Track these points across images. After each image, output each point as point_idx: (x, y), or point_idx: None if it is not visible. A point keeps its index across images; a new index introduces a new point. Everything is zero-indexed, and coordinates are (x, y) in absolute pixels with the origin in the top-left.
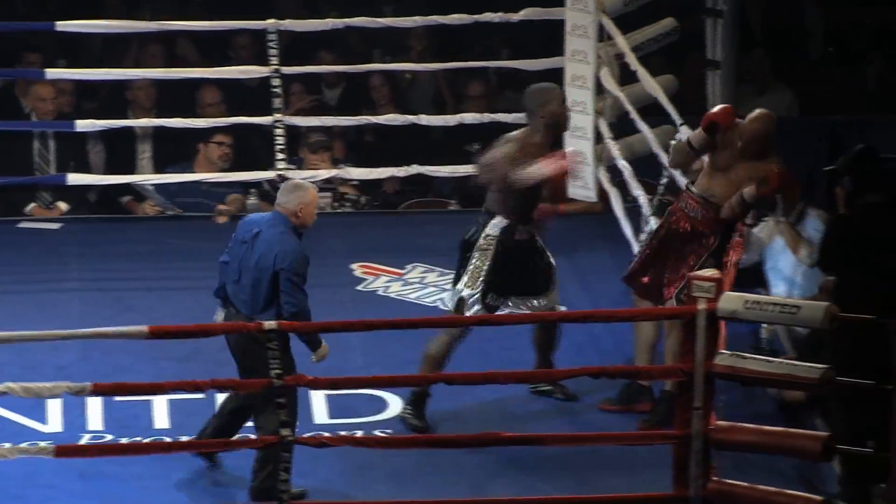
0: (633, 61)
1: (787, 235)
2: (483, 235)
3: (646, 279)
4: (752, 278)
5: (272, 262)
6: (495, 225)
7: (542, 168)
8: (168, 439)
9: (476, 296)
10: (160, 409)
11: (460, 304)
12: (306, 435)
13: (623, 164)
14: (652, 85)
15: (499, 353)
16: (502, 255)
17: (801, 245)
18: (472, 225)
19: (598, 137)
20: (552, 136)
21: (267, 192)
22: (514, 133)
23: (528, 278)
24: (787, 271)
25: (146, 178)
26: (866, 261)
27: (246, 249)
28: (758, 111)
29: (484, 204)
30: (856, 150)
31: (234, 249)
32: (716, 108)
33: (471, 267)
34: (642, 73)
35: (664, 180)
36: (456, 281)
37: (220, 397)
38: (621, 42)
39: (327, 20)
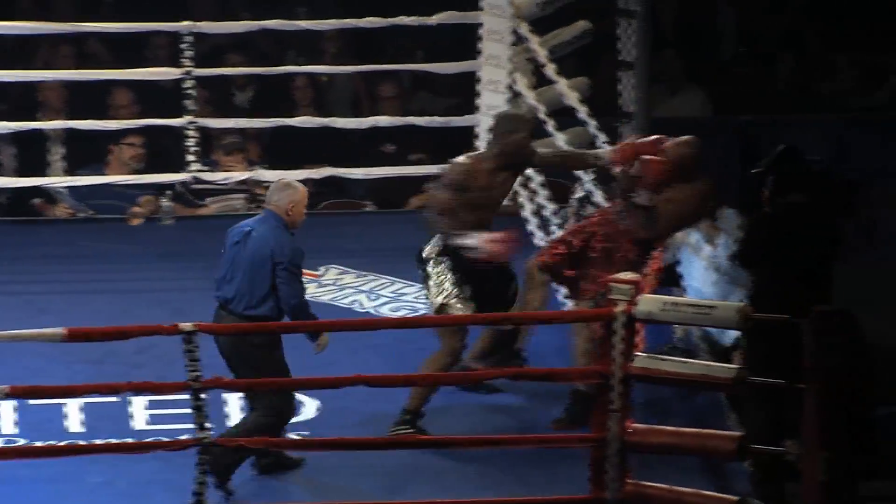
0: (547, 66)
1: (704, 228)
2: (429, 250)
3: (570, 273)
4: (668, 278)
5: (268, 254)
6: (435, 243)
7: (480, 243)
8: (81, 442)
9: (453, 296)
10: (73, 413)
11: (444, 310)
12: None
13: (531, 172)
14: (565, 90)
15: (416, 355)
16: (454, 260)
17: (718, 236)
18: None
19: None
20: (506, 164)
21: (181, 194)
22: (466, 157)
23: (500, 293)
24: (701, 269)
25: (58, 181)
26: (785, 259)
27: (238, 248)
28: (683, 138)
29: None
30: (779, 149)
31: (225, 253)
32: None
33: (432, 279)
34: (556, 78)
35: (579, 194)
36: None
37: (136, 400)
38: (536, 47)
39: (242, 22)
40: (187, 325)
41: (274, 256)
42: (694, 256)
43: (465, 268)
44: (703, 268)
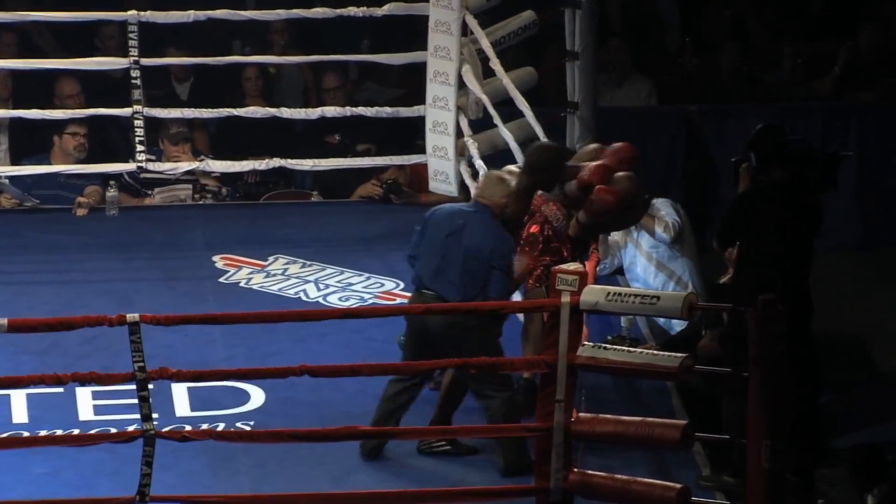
0: (493, 60)
1: (641, 221)
2: None
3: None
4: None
5: (487, 255)
6: None
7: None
8: (26, 433)
9: None
10: (18, 404)
11: None
12: (168, 429)
13: (480, 163)
14: (507, 83)
15: (363, 344)
16: None
17: (656, 223)
18: None
19: (460, 133)
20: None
21: (127, 185)
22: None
23: None
24: (642, 261)
25: (2, 171)
26: (769, 237)
27: (452, 241)
28: (622, 173)
29: None
30: (761, 127)
31: (433, 242)
32: (591, 169)
33: None
34: (500, 71)
35: None
36: None
37: (81, 391)
38: (483, 41)
39: (189, 12)
40: (132, 316)
41: (493, 259)
42: (634, 249)
43: None
44: (644, 259)
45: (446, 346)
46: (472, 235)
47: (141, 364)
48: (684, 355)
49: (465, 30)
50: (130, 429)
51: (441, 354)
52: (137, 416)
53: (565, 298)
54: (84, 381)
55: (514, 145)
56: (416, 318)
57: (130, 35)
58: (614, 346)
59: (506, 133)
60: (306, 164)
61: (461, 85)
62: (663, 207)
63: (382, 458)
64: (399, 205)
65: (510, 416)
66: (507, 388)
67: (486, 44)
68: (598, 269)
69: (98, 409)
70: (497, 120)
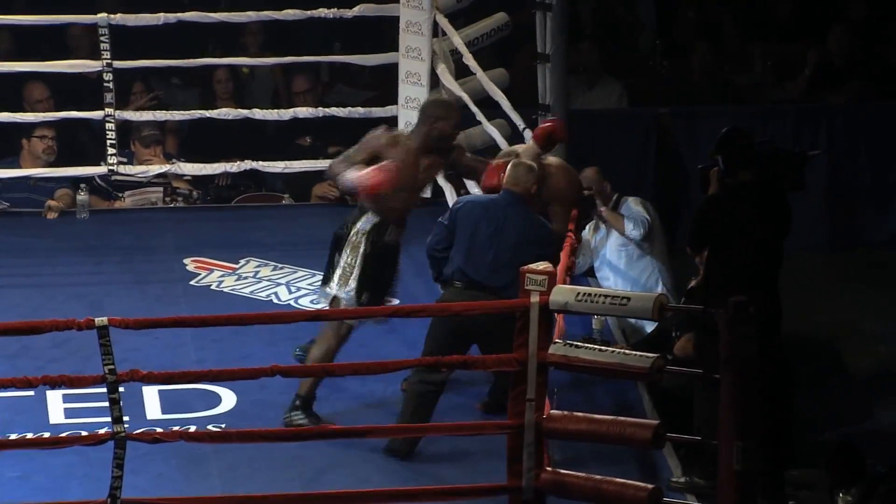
0: (466, 56)
1: (608, 218)
2: (354, 231)
3: None
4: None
5: (536, 247)
6: (367, 220)
7: (357, 177)
8: None
9: (350, 295)
10: None
11: (335, 304)
12: (139, 431)
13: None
14: (486, 82)
15: (353, 350)
16: (373, 253)
17: (623, 221)
18: (347, 223)
19: None
20: (429, 149)
21: (98, 188)
22: (384, 131)
23: (393, 278)
24: (613, 261)
25: None
26: (738, 238)
27: (498, 236)
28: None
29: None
30: (726, 130)
31: (476, 238)
32: (549, 122)
33: (342, 263)
34: (476, 69)
35: None
36: (326, 278)
37: (52, 395)
38: (456, 40)
39: (159, 15)
40: (101, 320)
41: (542, 248)
42: (603, 248)
43: (376, 257)
44: (613, 259)
45: (491, 339)
46: (518, 228)
47: (111, 367)
48: (656, 356)
49: (436, 31)
50: (101, 431)
51: (479, 347)
52: (108, 419)
53: (534, 298)
54: (54, 384)
55: (500, 140)
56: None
57: (102, 38)
58: (586, 345)
59: (491, 129)
60: (278, 167)
61: (434, 85)
62: (633, 205)
63: (357, 458)
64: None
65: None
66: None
67: (458, 41)
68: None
69: (69, 413)
70: (480, 116)
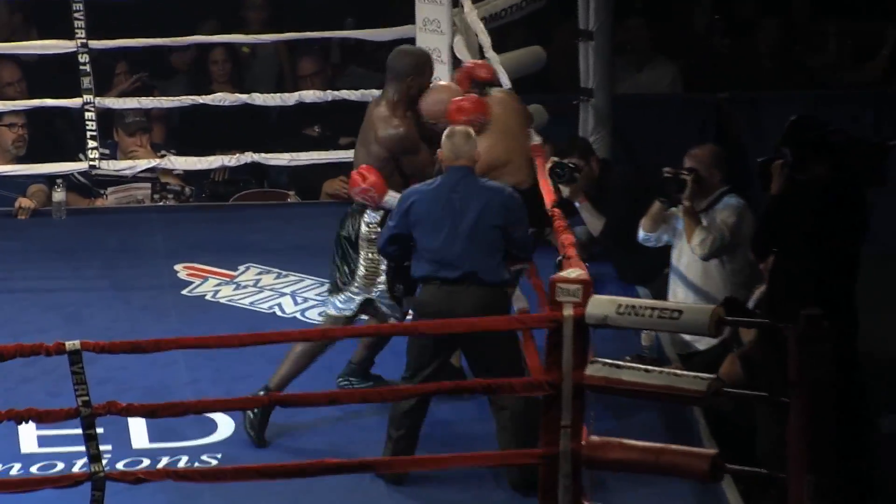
0: (480, 34)
1: (683, 218)
2: (363, 225)
3: None
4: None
5: (503, 219)
6: (371, 214)
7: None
8: None
9: (383, 292)
10: None
11: (369, 307)
12: (122, 463)
13: None
14: (497, 63)
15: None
16: None
17: (695, 232)
18: (347, 222)
19: None
20: (409, 107)
21: (77, 183)
22: (375, 114)
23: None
24: (683, 269)
25: None
26: (804, 244)
27: (460, 219)
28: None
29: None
30: (795, 118)
31: (438, 229)
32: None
33: (361, 262)
34: (487, 47)
35: None
36: (336, 286)
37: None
38: (469, 8)
39: None
40: (72, 344)
41: (509, 218)
42: (682, 240)
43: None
44: (687, 257)
45: (475, 339)
46: (476, 203)
47: (85, 398)
48: (713, 377)
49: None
50: (78, 466)
51: (463, 345)
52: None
53: (568, 311)
54: (20, 419)
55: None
56: (440, 308)
57: (76, 14)
58: (630, 365)
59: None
60: (282, 160)
61: (457, 62)
62: (723, 215)
63: (369, 491)
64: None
65: (523, 433)
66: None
67: (472, 14)
68: (642, 238)
69: (43, 441)
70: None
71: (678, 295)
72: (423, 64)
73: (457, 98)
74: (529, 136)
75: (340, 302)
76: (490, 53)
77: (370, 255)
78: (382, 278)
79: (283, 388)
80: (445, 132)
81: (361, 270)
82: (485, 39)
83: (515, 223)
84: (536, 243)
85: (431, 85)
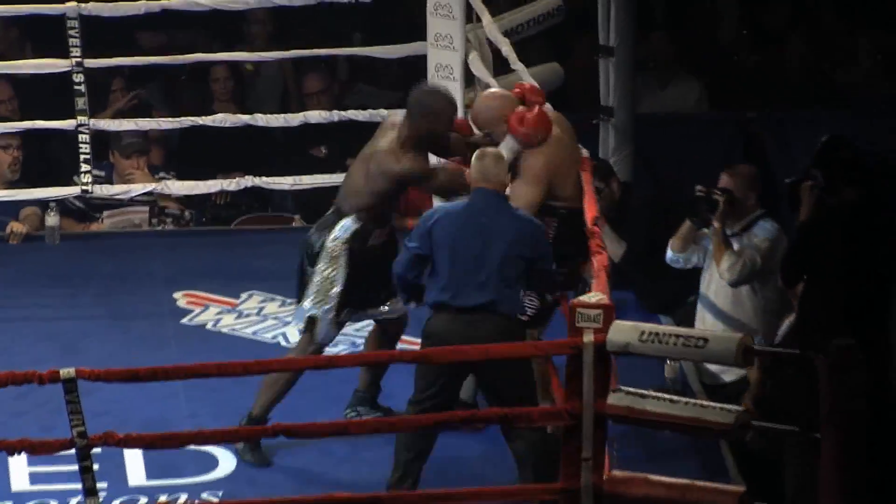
0: (507, 49)
1: (712, 241)
2: (330, 240)
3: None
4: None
5: (530, 248)
6: (345, 227)
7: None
8: None
9: (329, 312)
10: None
11: (311, 324)
12: (118, 503)
13: None
14: (531, 75)
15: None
16: (354, 263)
17: (724, 257)
18: (318, 230)
19: None
20: (420, 148)
21: (72, 207)
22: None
23: (380, 285)
24: (712, 296)
25: None
26: (835, 271)
27: (485, 245)
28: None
29: (334, 202)
30: (826, 138)
31: (459, 254)
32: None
33: (317, 278)
34: (515, 62)
35: None
36: (301, 295)
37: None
38: (485, 19)
39: (139, 3)
40: (67, 371)
41: (537, 249)
42: (712, 264)
43: (358, 268)
44: (716, 283)
45: (488, 365)
46: (505, 231)
47: (81, 429)
48: (741, 409)
49: (471, 14)
50: None
51: (476, 374)
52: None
53: (588, 337)
54: (12, 450)
55: None
56: (455, 335)
57: (71, 32)
58: (654, 395)
59: None
60: (285, 183)
61: (469, 79)
62: (757, 239)
63: None
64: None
65: (541, 464)
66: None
67: (492, 27)
68: (671, 258)
69: (35, 478)
70: None
71: (706, 322)
72: (442, 111)
73: (519, 109)
74: (580, 153)
75: (295, 317)
76: (518, 65)
77: (327, 271)
78: (333, 298)
79: (267, 414)
80: (476, 153)
81: (313, 286)
82: (509, 53)
83: (543, 257)
84: (575, 279)
85: (484, 91)
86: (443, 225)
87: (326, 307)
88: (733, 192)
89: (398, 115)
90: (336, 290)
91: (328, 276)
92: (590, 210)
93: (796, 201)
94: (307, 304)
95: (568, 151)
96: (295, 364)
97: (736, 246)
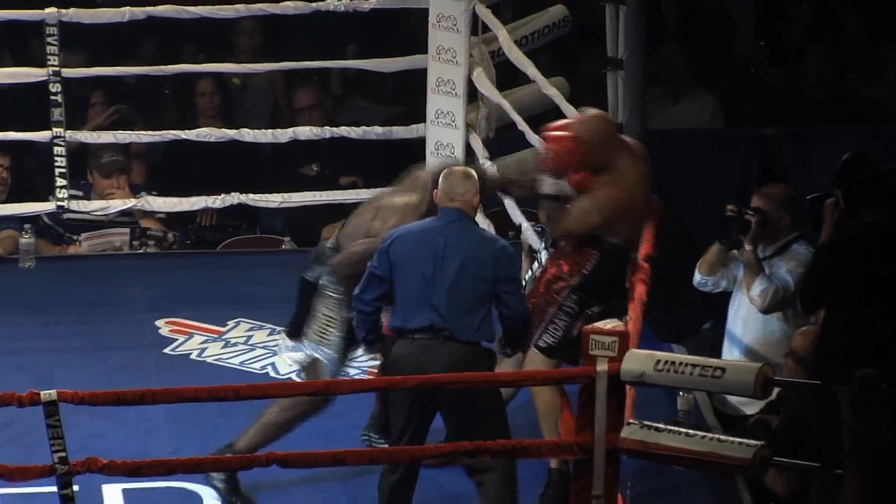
0: (520, 59)
1: (745, 265)
2: (329, 279)
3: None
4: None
5: (491, 271)
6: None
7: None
8: None
9: (332, 353)
10: None
11: (314, 366)
12: None
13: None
14: (548, 87)
15: (347, 431)
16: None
17: (755, 282)
18: (317, 261)
19: (469, 156)
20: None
21: (47, 228)
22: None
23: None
24: (738, 329)
25: None
26: (858, 296)
27: (439, 267)
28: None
29: (337, 236)
30: (846, 158)
31: (414, 276)
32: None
33: (319, 315)
34: (536, 74)
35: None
36: (295, 328)
37: None
38: (503, 36)
39: (123, 9)
40: (48, 393)
41: (499, 272)
42: (741, 293)
43: None
44: (745, 311)
45: (446, 395)
46: (462, 250)
47: (62, 454)
48: (760, 444)
49: (476, 27)
50: None
51: (439, 405)
52: None
53: (602, 366)
54: None
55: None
56: (410, 363)
57: (49, 39)
58: (670, 428)
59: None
60: (272, 201)
61: (472, 95)
62: (791, 261)
63: None
64: None
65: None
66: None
67: (506, 40)
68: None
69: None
70: (531, 137)
71: (733, 352)
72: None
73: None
74: (649, 199)
75: (288, 349)
76: (539, 79)
77: (328, 310)
78: (335, 338)
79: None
80: (444, 171)
81: (315, 325)
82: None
83: (506, 280)
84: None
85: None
86: (400, 244)
87: (328, 347)
88: (768, 212)
89: (428, 179)
90: (335, 335)
91: (328, 314)
92: (644, 246)
93: (819, 219)
94: (307, 343)
95: (637, 198)
96: (291, 390)
97: (768, 270)
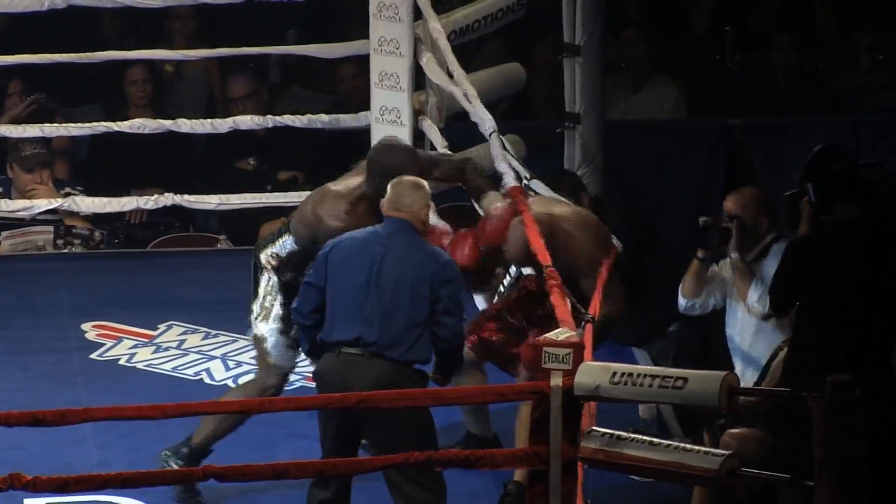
0: (445, 50)
1: (735, 272)
2: (270, 254)
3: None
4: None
5: (428, 286)
6: (284, 245)
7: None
8: None
9: (275, 335)
10: None
11: (259, 341)
12: None
13: None
14: (465, 86)
15: (287, 442)
16: (290, 282)
17: (750, 289)
18: (263, 242)
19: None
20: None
21: None
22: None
23: None
24: (736, 334)
25: None
26: (831, 297)
27: (374, 277)
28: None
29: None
30: (818, 149)
31: (347, 286)
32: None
33: (260, 293)
34: (455, 67)
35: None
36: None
37: None
38: (433, 25)
39: None
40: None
41: (436, 289)
42: (737, 303)
43: (293, 287)
44: (743, 319)
45: (369, 414)
46: (401, 263)
47: None
48: (727, 453)
49: (419, 12)
50: None
51: (361, 425)
52: None
53: (556, 381)
54: None
55: (508, 172)
56: (334, 380)
57: None
58: (632, 437)
59: (497, 150)
60: (209, 203)
61: (419, 87)
62: (776, 263)
63: None
64: None
65: None
66: (440, 484)
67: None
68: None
69: None
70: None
71: (736, 367)
72: (403, 171)
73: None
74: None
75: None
76: (458, 74)
77: (265, 286)
78: (276, 312)
79: (210, 446)
80: (393, 180)
81: (258, 301)
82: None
83: (446, 299)
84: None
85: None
86: (338, 252)
87: (270, 324)
88: (743, 219)
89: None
90: (278, 307)
91: (268, 290)
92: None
93: (796, 216)
94: (252, 317)
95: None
96: (224, 407)
97: (759, 274)
